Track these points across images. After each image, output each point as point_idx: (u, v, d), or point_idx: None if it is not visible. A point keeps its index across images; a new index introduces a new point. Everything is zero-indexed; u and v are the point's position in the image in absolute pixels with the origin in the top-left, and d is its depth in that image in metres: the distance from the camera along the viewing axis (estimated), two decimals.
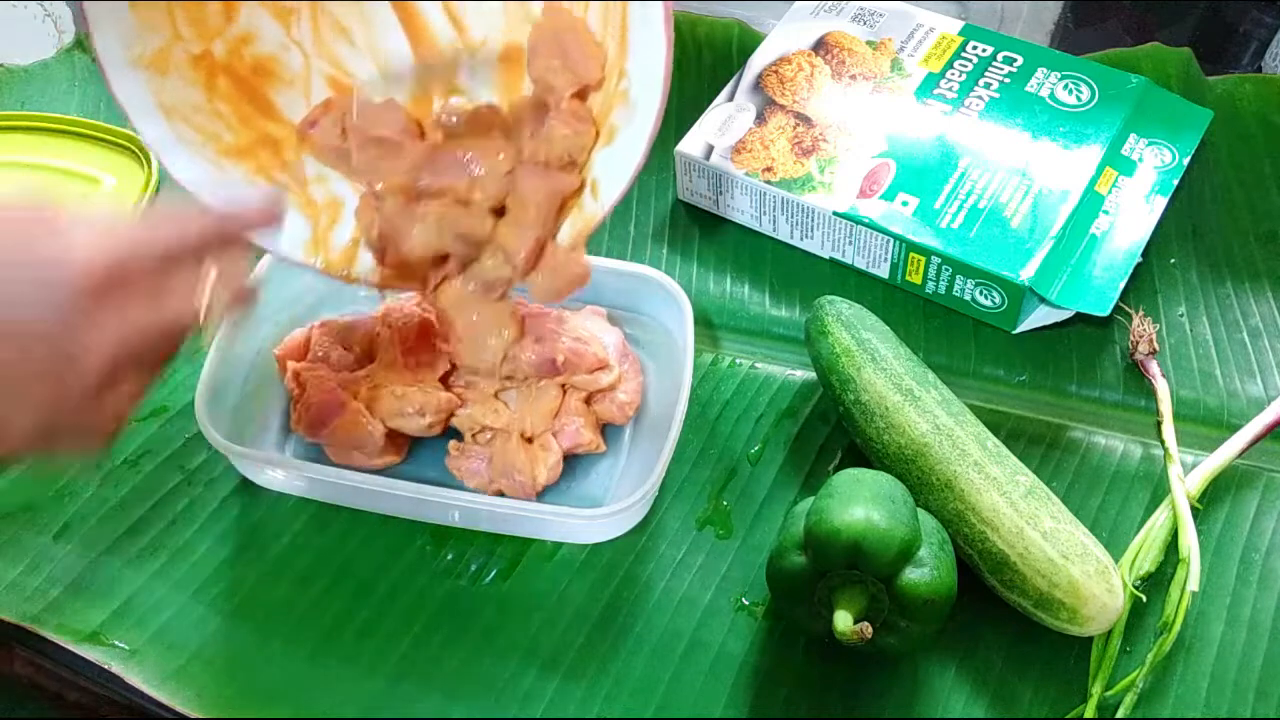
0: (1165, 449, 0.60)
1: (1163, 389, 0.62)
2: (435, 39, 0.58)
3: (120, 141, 0.78)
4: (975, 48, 0.76)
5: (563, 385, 0.62)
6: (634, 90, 0.52)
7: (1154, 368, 0.64)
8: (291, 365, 0.62)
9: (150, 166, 0.76)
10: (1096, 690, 0.53)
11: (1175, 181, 0.70)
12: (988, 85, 0.74)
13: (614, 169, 0.54)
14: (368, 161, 0.57)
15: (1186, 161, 0.71)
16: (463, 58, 0.58)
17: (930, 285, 0.69)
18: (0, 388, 0.38)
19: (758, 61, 0.76)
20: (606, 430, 0.64)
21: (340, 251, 0.59)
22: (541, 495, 0.60)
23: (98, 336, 0.39)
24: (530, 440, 0.60)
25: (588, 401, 0.62)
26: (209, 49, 0.56)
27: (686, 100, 0.78)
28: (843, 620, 0.49)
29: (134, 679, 0.55)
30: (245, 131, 0.57)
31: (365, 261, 0.59)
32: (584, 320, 0.63)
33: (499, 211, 0.57)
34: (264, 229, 0.50)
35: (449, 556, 0.60)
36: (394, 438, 0.61)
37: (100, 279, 0.39)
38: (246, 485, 0.63)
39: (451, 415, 0.61)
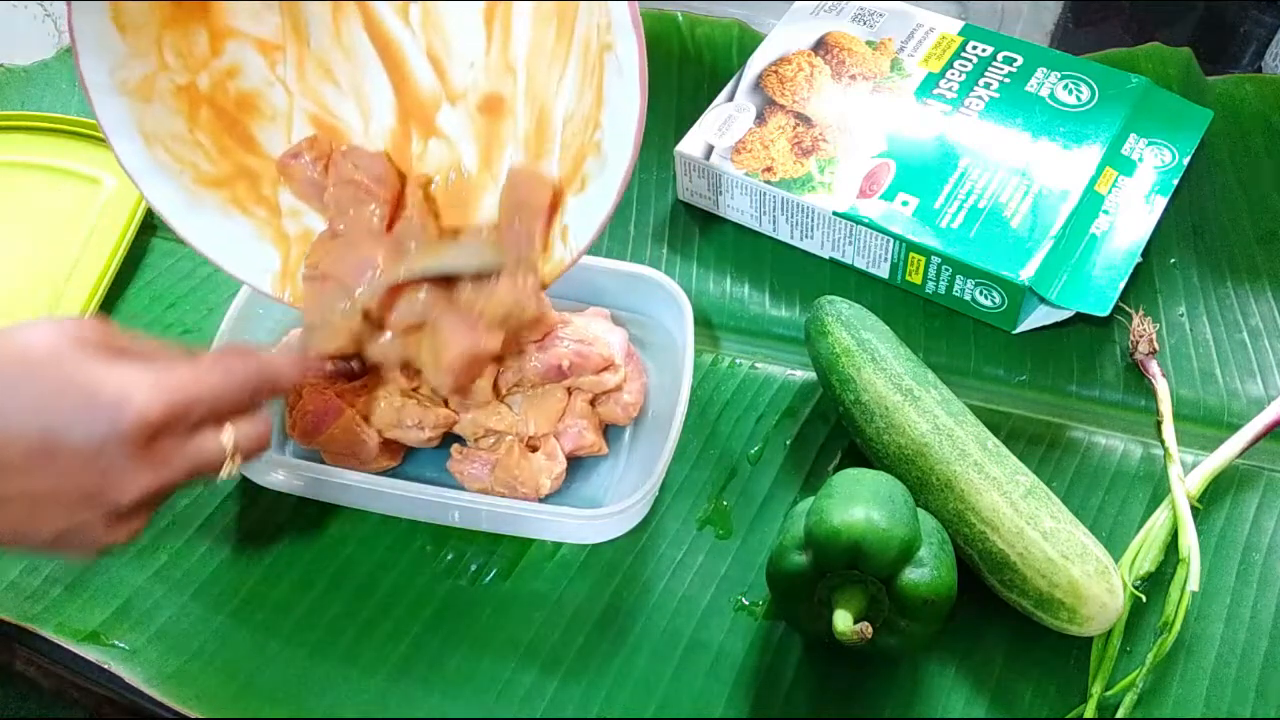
0: (1165, 449, 0.60)
1: (1163, 389, 0.62)
2: (417, 84, 0.58)
3: None
4: (975, 48, 0.76)
5: (568, 387, 0.62)
6: (606, 142, 0.53)
7: (1154, 367, 0.64)
8: None
9: None
10: (1096, 690, 0.53)
11: (1175, 181, 0.70)
12: (988, 85, 0.74)
13: (584, 217, 0.55)
14: (338, 201, 0.58)
15: (1186, 161, 0.71)
16: (442, 102, 0.58)
17: (930, 285, 0.69)
18: (40, 500, 0.42)
19: (758, 61, 0.76)
20: (607, 431, 0.64)
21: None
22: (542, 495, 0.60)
23: (135, 475, 0.43)
24: (534, 449, 0.60)
25: (592, 403, 0.62)
26: (194, 80, 0.56)
27: (686, 100, 0.78)
28: (843, 620, 0.49)
29: (134, 679, 0.55)
30: (224, 163, 0.58)
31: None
32: (588, 322, 0.64)
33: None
34: (285, 392, 0.52)
35: (449, 556, 0.60)
36: (389, 445, 0.61)
37: (150, 426, 0.43)
38: (246, 485, 0.63)
39: (452, 425, 0.61)
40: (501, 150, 0.58)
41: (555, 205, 0.56)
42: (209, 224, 0.59)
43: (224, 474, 0.47)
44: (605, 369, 0.61)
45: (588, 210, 0.55)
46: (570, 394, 0.62)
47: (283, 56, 0.58)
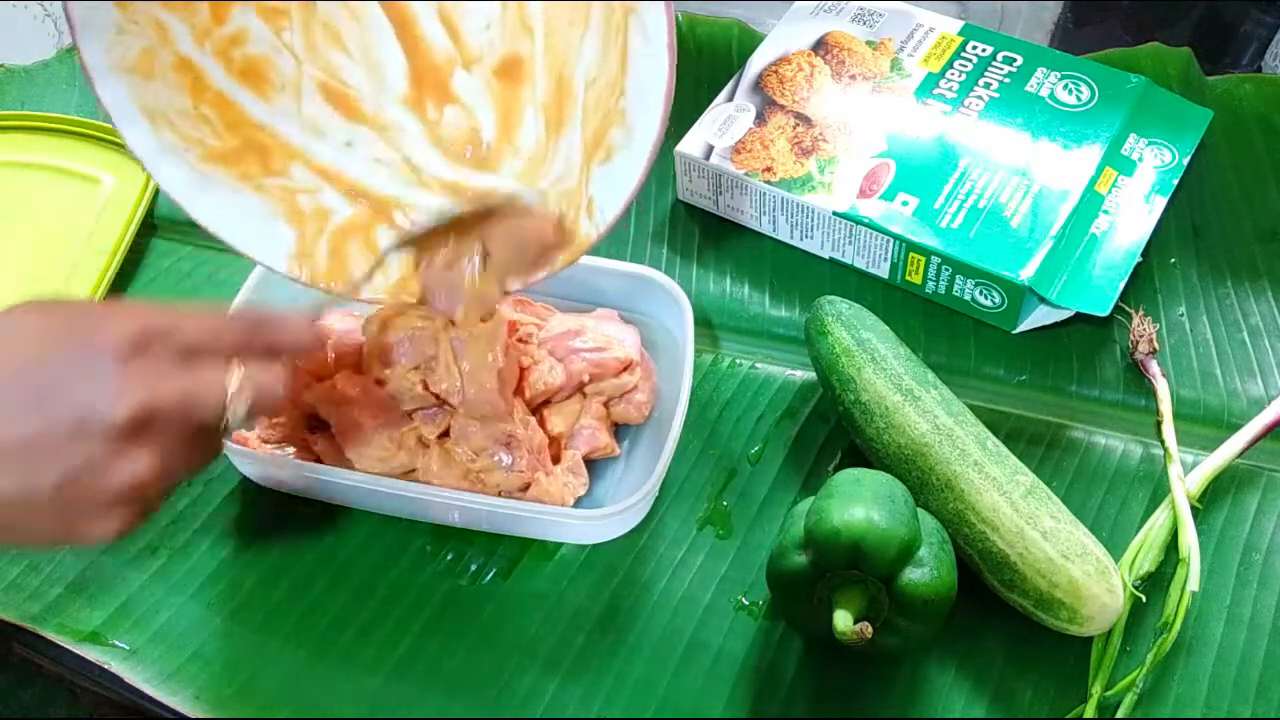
0: (1165, 449, 0.60)
1: (1163, 389, 0.62)
2: (430, 48, 0.57)
3: (120, 141, 0.77)
4: (975, 48, 0.76)
5: (582, 391, 0.62)
6: (631, 111, 0.51)
7: (1154, 367, 0.64)
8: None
9: None
10: (1096, 690, 0.53)
11: (1175, 181, 0.70)
12: (987, 85, 0.74)
13: (611, 190, 0.53)
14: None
15: (1186, 161, 0.71)
16: (457, 67, 0.57)
17: (930, 285, 0.69)
18: (33, 447, 0.41)
19: (758, 61, 0.76)
20: (613, 432, 0.64)
21: (325, 263, 0.59)
22: None
23: (122, 391, 0.41)
24: (556, 459, 0.61)
25: (606, 404, 0.62)
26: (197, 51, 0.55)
27: (686, 100, 0.77)
28: (843, 620, 0.49)
29: (134, 679, 0.55)
30: (231, 137, 0.57)
31: (354, 276, 0.59)
32: (600, 324, 0.64)
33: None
34: (299, 351, 0.51)
35: (449, 556, 0.60)
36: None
37: (128, 346, 0.42)
38: (246, 485, 0.63)
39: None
40: (521, 117, 0.56)
41: (557, 242, 0.56)
42: (221, 204, 0.57)
43: (230, 419, 0.45)
44: (624, 370, 0.62)
45: (614, 182, 0.53)
46: (585, 396, 0.62)
47: (289, 23, 0.56)
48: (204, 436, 0.45)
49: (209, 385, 0.44)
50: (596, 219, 0.54)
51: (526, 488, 0.59)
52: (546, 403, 0.62)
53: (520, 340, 0.61)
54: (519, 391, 0.60)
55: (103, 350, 0.41)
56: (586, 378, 0.61)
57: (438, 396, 0.58)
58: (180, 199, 0.56)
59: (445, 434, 0.59)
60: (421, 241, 0.57)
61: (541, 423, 0.61)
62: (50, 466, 0.41)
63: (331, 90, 0.58)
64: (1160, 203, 0.69)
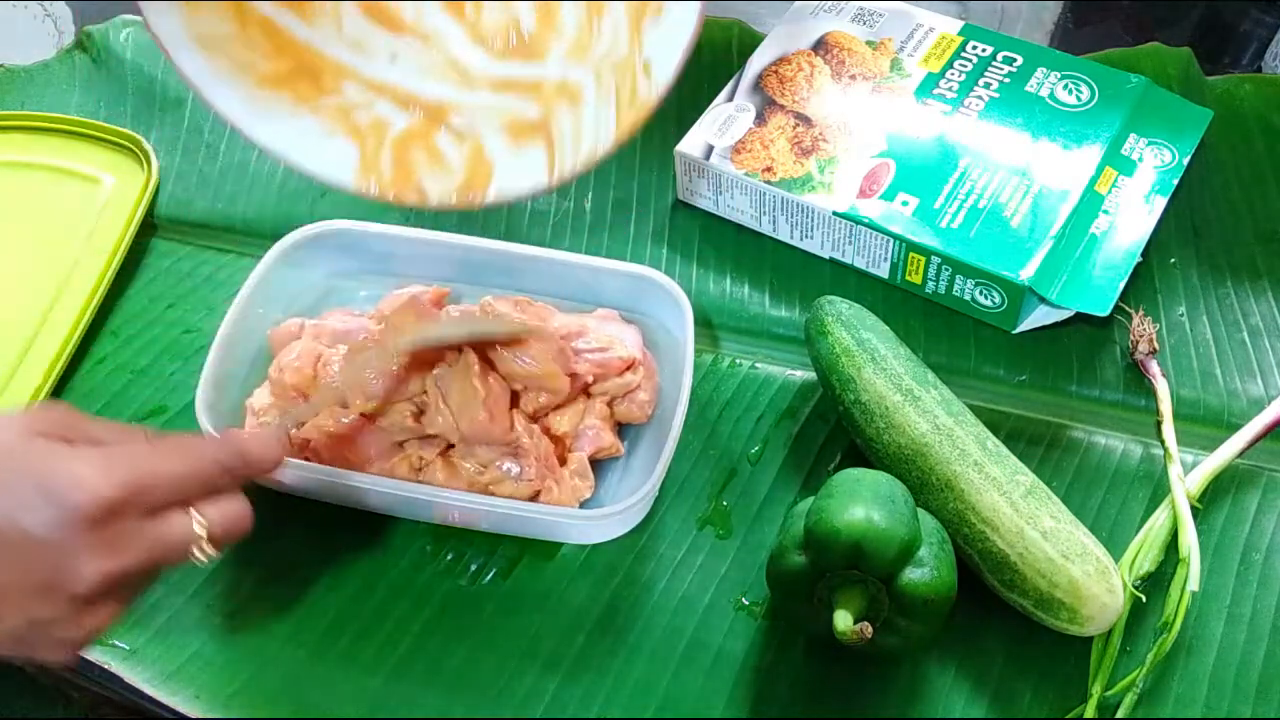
0: (1165, 449, 0.60)
1: (1163, 389, 0.62)
2: None
3: (120, 141, 0.78)
4: (975, 48, 0.76)
5: (586, 392, 0.62)
6: None
7: (1154, 367, 0.64)
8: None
9: (150, 166, 0.76)
10: (1096, 690, 0.53)
11: (1175, 181, 0.70)
12: (987, 85, 0.74)
13: (665, 46, 0.52)
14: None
15: (1186, 161, 0.71)
16: None
17: (930, 285, 0.69)
18: None
19: (757, 61, 0.76)
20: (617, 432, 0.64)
21: (391, 173, 0.58)
22: None
23: (93, 560, 0.42)
24: (563, 460, 0.61)
25: (609, 403, 0.63)
26: None
27: (686, 100, 0.78)
28: (843, 620, 0.49)
29: (134, 679, 0.55)
30: (281, 59, 0.57)
31: (427, 185, 0.58)
32: (601, 324, 0.64)
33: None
34: (265, 475, 0.52)
35: (449, 556, 0.60)
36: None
37: (105, 509, 0.42)
38: (246, 485, 0.62)
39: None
40: None
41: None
42: (280, 127, 0.57)
43: (200, 558, 0.46)
44: (627, 369, 0.62)
45: (668, 35, 0.51)
46: (589, 396, 0.62)
47: None
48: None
49: (177, 539, 0.45)
50: (656, 79, 0.53)
51: (536, 495, 0.59)
52: (555, 407, 0.62)
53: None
54: (515, 405, 0.60)
55: (78, 517, 0.41)
56: (590, 378, 0.61)
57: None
58: (239, 126, 0.56)
59: (450, 446, 0.59)
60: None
61: (545, 427, 0.61)
62: (14, 613, 0.42)
63: (371, 5, 0.58)
64: (1160, 203, 0.69)
